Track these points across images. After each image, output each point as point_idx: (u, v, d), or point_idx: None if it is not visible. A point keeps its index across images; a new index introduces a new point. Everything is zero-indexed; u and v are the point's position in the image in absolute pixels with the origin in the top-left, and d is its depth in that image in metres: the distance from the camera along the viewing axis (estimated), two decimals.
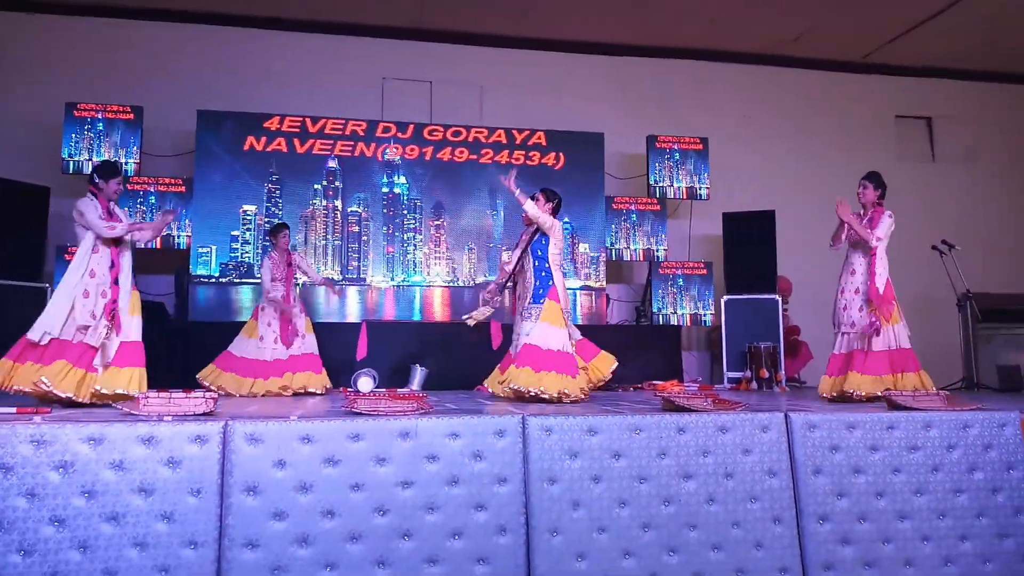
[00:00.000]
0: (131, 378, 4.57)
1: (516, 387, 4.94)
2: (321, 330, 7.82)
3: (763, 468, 3.52)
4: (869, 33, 9.24)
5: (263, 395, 6.19)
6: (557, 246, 5.39)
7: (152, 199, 7.84)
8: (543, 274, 5.34)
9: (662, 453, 3.44)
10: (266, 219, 8.08)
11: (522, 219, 5.61)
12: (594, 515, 3.31)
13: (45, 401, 4.36)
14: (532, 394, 4.91)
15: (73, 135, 7.67)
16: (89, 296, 4.55)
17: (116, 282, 4.63)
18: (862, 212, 5.43)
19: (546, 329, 5.15)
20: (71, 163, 7.66)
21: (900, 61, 9.92)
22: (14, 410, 3.71)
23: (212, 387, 6.15)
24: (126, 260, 4.76)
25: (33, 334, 4.43)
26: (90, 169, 5.00)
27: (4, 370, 4.40)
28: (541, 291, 5.28)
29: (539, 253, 5.37)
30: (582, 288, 8.68)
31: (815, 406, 4.34)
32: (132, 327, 4.69)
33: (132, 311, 4.72)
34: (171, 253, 7.93)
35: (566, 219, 8.53)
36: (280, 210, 8.12)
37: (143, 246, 7.29)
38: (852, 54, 9.82)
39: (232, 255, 7.98)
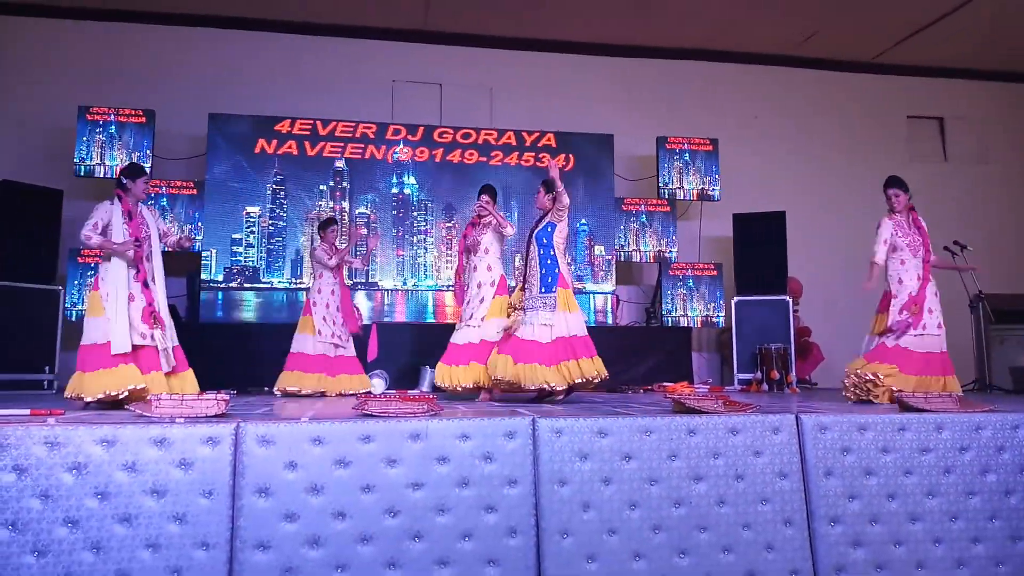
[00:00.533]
0: (188, 381, 4.80)
1: (591, 377, 5.04)
2: None
3: (774, 470, 3.50)
4: (879, 33, 9.22)
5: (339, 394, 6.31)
6: (563, 234, 5.34)
7: (164, 201, 7.89)
8: (548, 262, 5.27)
9: (672, 455, 3.43)
10: (270, 222, 8.12)
11: (537, 205, 5.53)
12: (604, 517, 3.30)
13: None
14: (599, 379, 5.09)
15: (85, 138, 7.73)
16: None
17: (146, 285, 4.68)
18: (897, 216, 5.41)
19: (577, 318, 5.22)
20: (84, 166, 7.71)
21: (911, 61, 9.90)
22: (28, 411, 3.74)
23: (303, 392, 6.28)
24: (154, 265, 4.80)
25: (117, 347, 4.53)
26: (116, 174, 5.11)
27: (88, 381, 4.50)
28: (550, 279, 5.22)
29: (544, 241, 5.30)
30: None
31: (826, 407, 4.32)
32: (172, 330, 4.83)
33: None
34: (183, 256, 7.96)
35: (583, 220, 8.55)
36: (286, 212, 8.16)
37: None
38: (863, 55, 9.79)
39: (235, 259, 8.03)
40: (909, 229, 5.39)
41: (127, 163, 5.34)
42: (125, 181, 4.82)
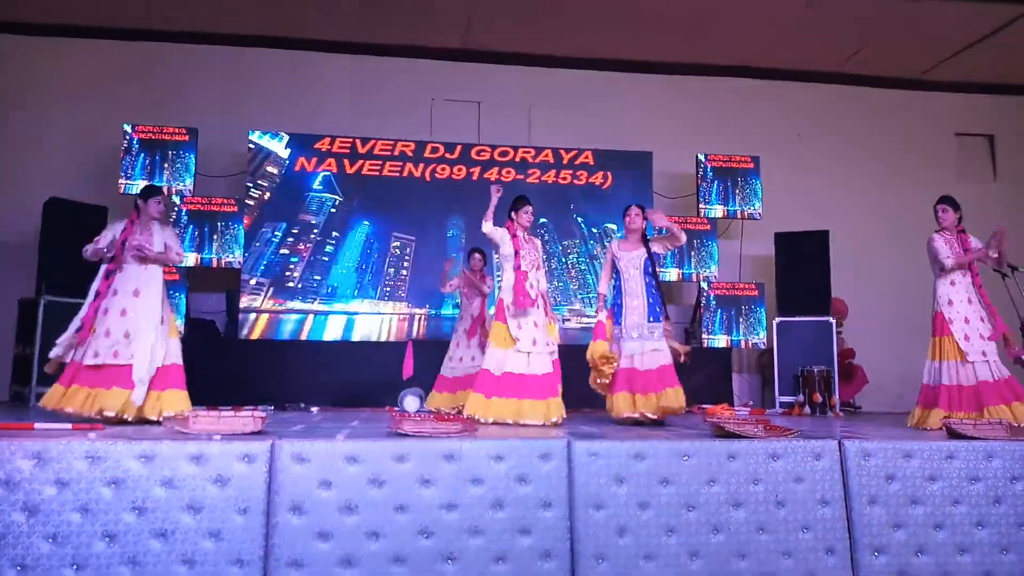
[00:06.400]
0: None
1: (680, 406, 5.08)
2: (367, 349, 7.89)
3: (816, 497, 3.42)
4: (927, 50, 9.06)
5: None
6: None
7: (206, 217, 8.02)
8: (655, 291, 5.34)
9: (711, 480, 3.37)
10: (309, 239, 8.20)
11: (628, 232, 5.50)
12: (641, 542, 3.25)
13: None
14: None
15: (130, 156, 7.89)
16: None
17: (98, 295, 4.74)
18: (945, 233, 5.33)
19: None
20: (128, 184, 7.86)
21: (960, 78, 9.68)
22: (70, 426, 3.79)
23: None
24: (140, 278, 4.80)
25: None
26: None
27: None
28: (658, 308, 5.31)
29: (650, 270, 5.38)
30: None
31: (870, 433, 4.21)
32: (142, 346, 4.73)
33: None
34: (222, 272, 8.08)
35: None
36: (323, 229, 8.24)
37: (188, 264, 7.45)
38: (910, 71, 9.62)
39: (274, 275, 8.12)
40: (958, 248, 5.31)
41: (145, 184, 5.45)
42: (138, 202, 4.95)
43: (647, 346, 5.23)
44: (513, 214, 5.41)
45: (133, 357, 4.54)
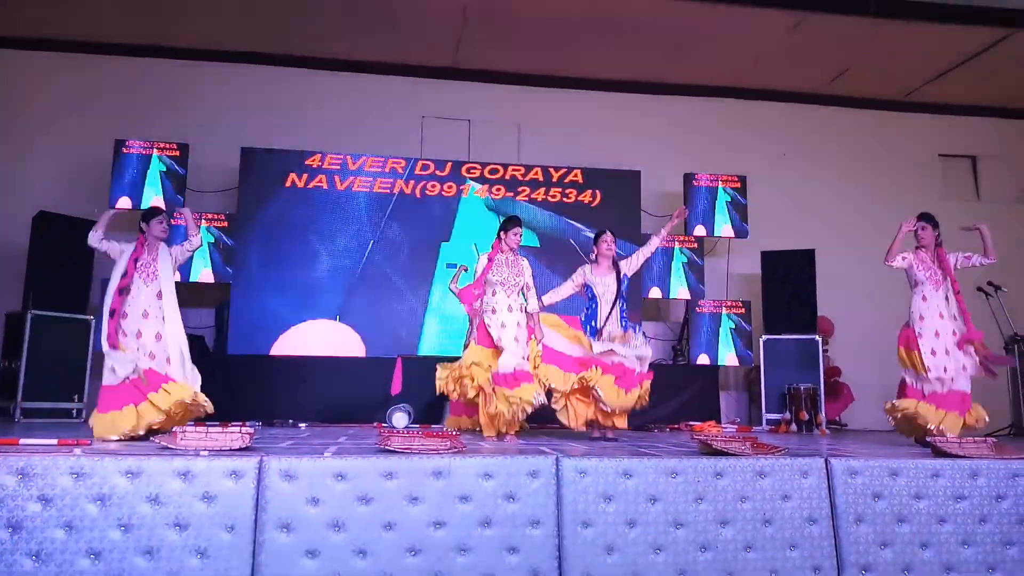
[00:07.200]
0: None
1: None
2: (356, 364, 7.86)
3: (803, 515, 3.44)
4: (911, 72, 9.18)
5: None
6: None
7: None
8: (624, 314, 5.46)
9: (699, 498, 3.38)
10: (300, 254, 8.18)
11: (600, 257, 5.51)
12: (629, 561, 3.24)
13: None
14: None
15: (121, 171, 7.87)
16: None
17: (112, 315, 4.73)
18: (921, 251, 5.40)
19: None
20: (119, 198, 7.84)
21: (944, 99, 9.80)
22: (55, 442, 3.76)
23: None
24: (163, 303, 4.83)
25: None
26: (150, 206, 5.35)
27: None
28: (625, 322, 5.49)
29: (623, 295, 5.49)
30: None
31: (857, 451, 4.24)
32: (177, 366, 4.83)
33: None
34: (213, 287, 8.05)
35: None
36: (315, 246, 8.23)
37: (177, 279, 7.41)
38: (893, 93, 9.74)
39: (265, 290, 8.07)
40: (932, 263, 5.34)
41: (149, 207, 5.55)
42: (142, 224, 4.99)
43: (632, 352, 5.31)
44: (502, 234, 5.43)
45: (170, 368, 4.65)
